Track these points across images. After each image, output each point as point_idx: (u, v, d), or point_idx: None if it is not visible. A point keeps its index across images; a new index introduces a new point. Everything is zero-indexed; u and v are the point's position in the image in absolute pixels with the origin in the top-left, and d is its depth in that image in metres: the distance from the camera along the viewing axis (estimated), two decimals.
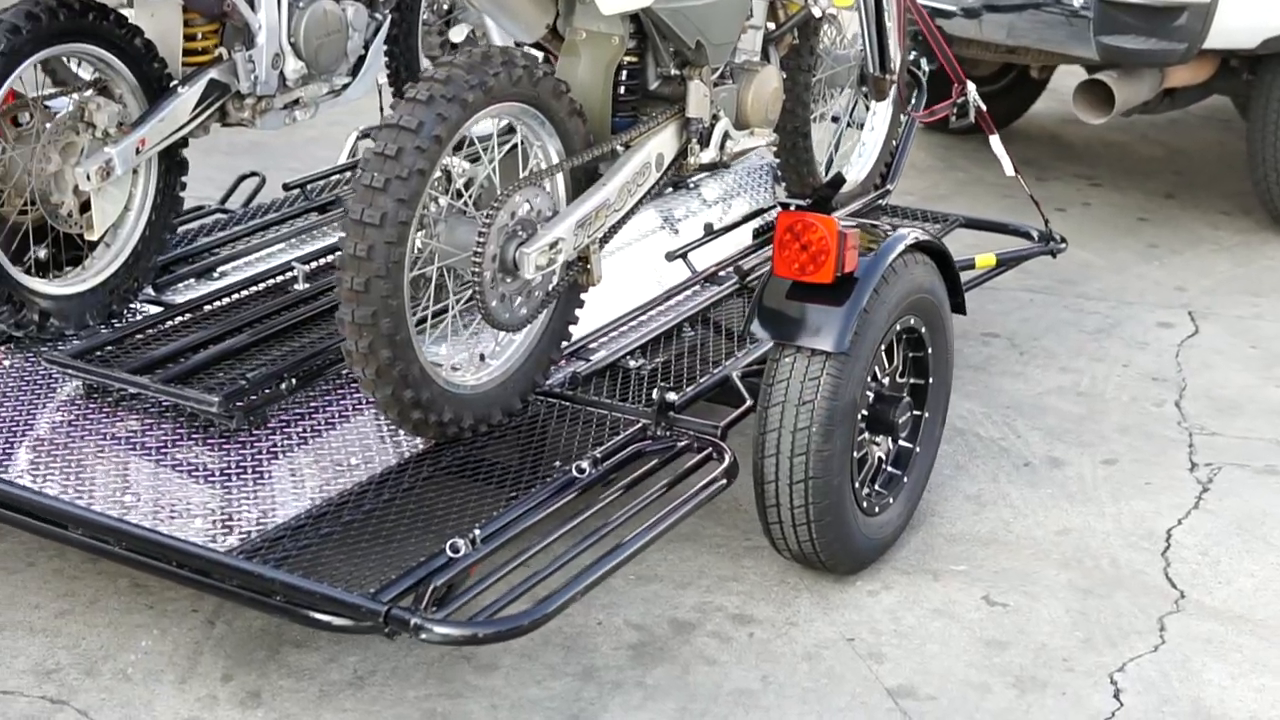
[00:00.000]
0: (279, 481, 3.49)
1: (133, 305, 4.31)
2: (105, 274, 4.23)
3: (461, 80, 3.37)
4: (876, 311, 3.68)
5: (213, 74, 4.31)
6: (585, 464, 3.52)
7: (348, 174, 5.28)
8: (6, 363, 4.05)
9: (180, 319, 4.16)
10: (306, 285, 4.33)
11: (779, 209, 4.85)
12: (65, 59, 4.16)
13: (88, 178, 4.05)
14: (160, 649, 3.57)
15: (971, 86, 4.79)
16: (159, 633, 3.62)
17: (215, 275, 4.53)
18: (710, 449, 3.65)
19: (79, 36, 4.01)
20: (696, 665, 3.57)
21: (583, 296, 3.84)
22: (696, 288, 4.46)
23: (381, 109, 5.59)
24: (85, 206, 4.17)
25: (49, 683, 3.45)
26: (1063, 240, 4.96)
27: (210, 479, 3.50)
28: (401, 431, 3.67)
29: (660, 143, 3.90)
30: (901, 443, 3.97)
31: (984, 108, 4.79)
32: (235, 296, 4.28)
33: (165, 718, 3.35)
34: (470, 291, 3.58)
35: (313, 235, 4.84)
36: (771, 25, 4.33)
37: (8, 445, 3.62)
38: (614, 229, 3.77)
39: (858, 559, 3.86)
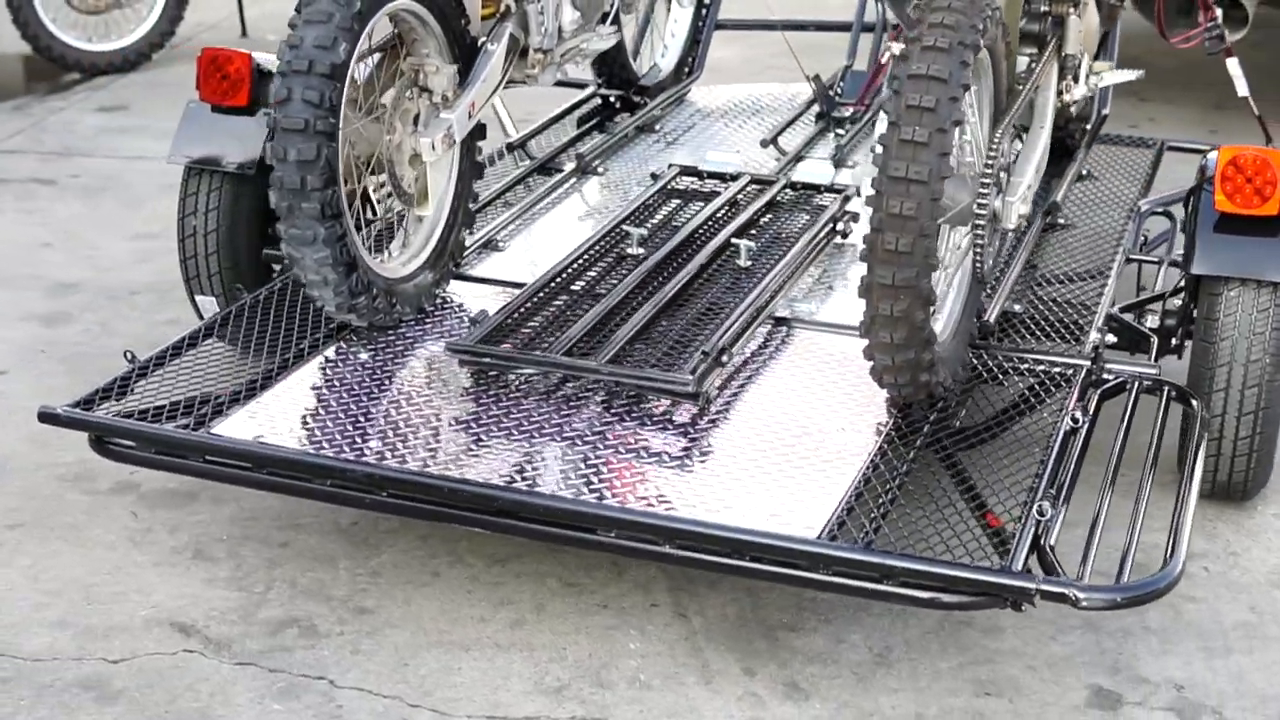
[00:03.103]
0: (792, 458, 3.29)
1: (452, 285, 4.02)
2: (426, 251, 3.92)
3: (967, 26, 3.21)
4: None
5: (510, 28, 4.02)
6: (1077, 414, 3.44)
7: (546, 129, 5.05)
8: (363, 356, 3.71)
9: (540, 296, 3.87)
10: (642, 250, 4.09)
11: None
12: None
13: (433, 147, 3.74)
14: (653, 650, 3.34)
15: (1219, 11, 4.83)
16: (637, 632, 3.39)
17: (501, 247, 4.25)
18: (1171, 390, 3.62)
19: None
20: (1182, 605, 3.53)
21: None
22: None
23: None
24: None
25: (568, 700, 3.19)
26: None
27: (716, 463, 3.28)
28: (858, 394, 3.52)
29: (1050, 81, 3.82)
30: None
31: (1227, 32, 4.83)
32: (573, 267, 4.00)
33: None
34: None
35: (560, 196, 4.58)
36: None
37: (463, 447, 3.33)
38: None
39: (1263, 485, 3.88)
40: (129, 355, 3.67)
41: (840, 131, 5.06)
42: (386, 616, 3.43)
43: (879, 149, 3.15)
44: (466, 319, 3.88)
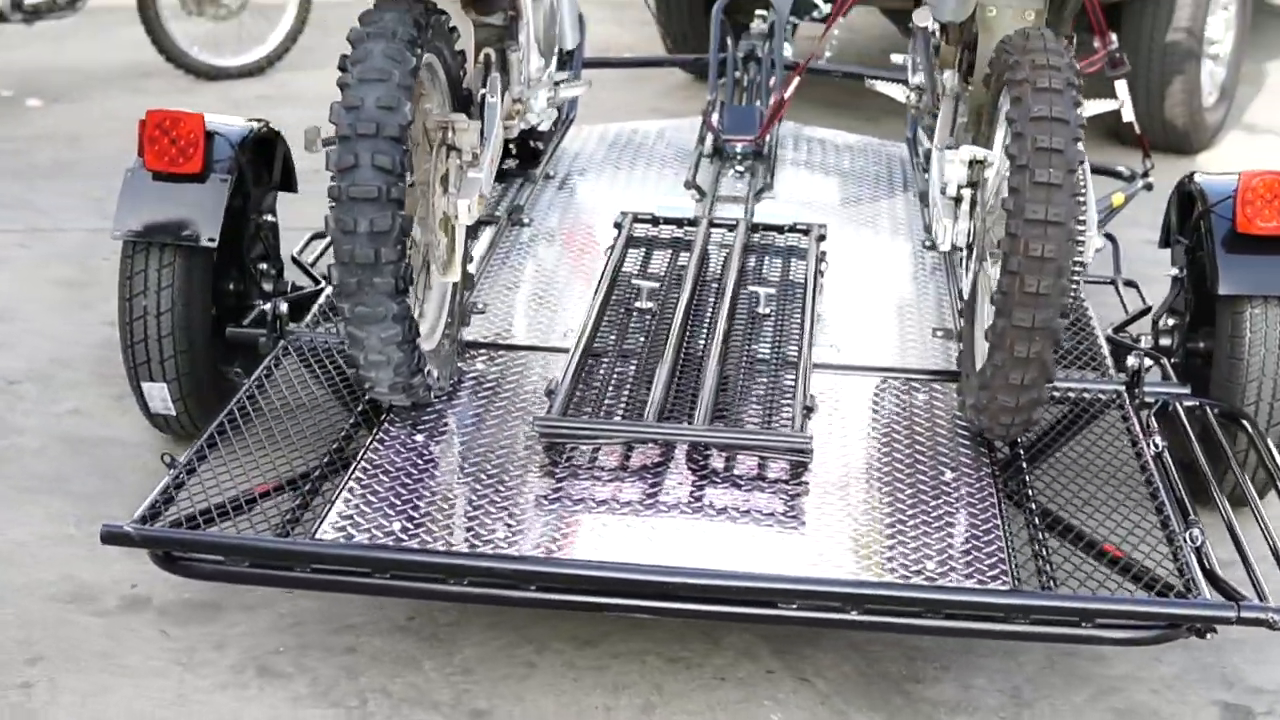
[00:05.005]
0: (923, 508, 3.25)
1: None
2: (444, 319, 3.69)
3: (1066, 65, 3.25)
4: None
5: (499, 78, 3.82)
6: (1157, 439, 3.52)
7: None
8: (419, 437, 3.46)
9: (585, 361, 3.68)
10: (652, 304, 3.94)
11: None
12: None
13: (469, 209, 3.52)
14: (796, 718, 3.24)
15: (1114, 35, 4.99)
16: (771, 703, 3.27)
17: (480, 308, 4.03)
18: (1214, 408, 3.75)
19: (431, 43, 3.44)
20: None
21: None
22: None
23: None
24: None
25: None
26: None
27: (856, 520, 3.20)
28: (931, 434, 3.52)
29: None
30: None
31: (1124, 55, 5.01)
32: (598, 326, 3.82)
33: None
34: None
35: (508, 251, 4.39)
36: None
37: (595, 529, 3.16)
38: None
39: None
40: (167, 459, 3.31)
41: (740, 169, 5.03)
42: (507, 716, 3.20)
43: (1005, 192, 3.15)
44: (499, 388, 3.67)
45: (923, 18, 3.79)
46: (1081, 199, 3.34)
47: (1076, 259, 3.37)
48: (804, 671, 3.38)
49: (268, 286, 4.22)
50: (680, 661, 3.39)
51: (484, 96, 3.74)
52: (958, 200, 3.48)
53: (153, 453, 4.17)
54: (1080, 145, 3.15)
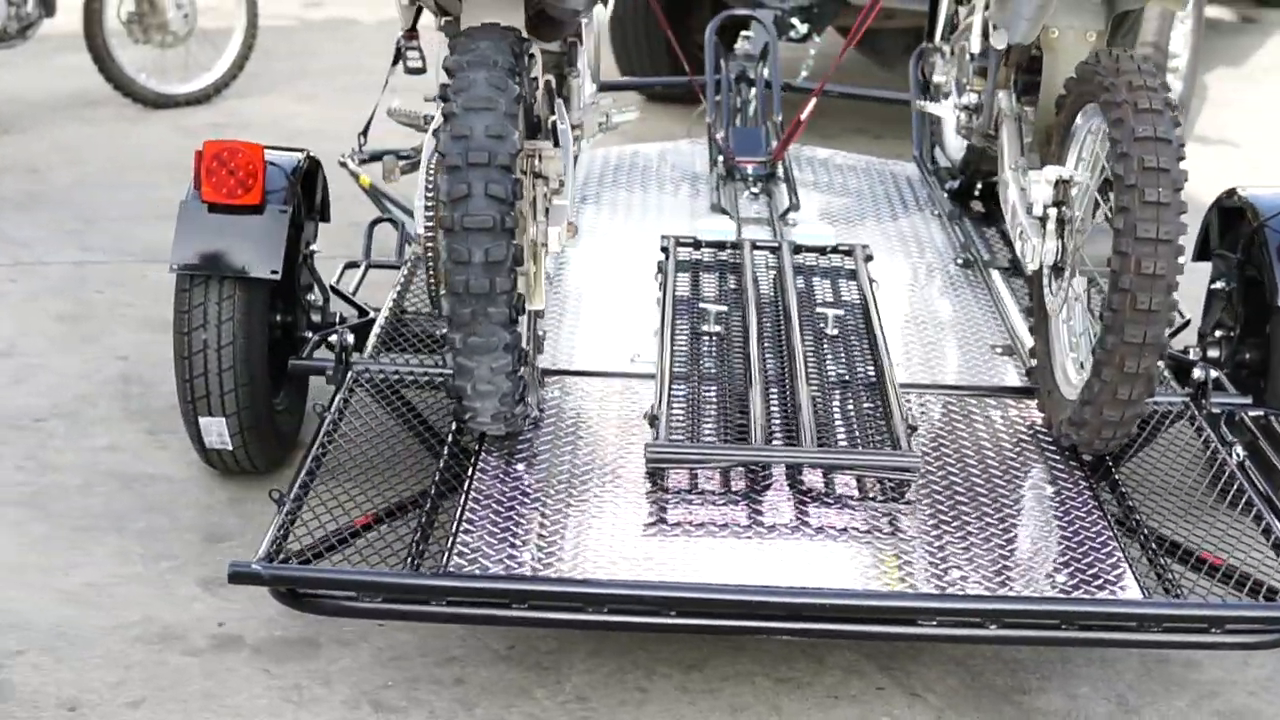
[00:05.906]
0: (1035, 520, 3.32)
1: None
2: (525, 346, 3.66)
3: (1160, 85, 3.32)
4: None
5: (562, 103, 3.82)
6: (1240, 449, 3.60)
7: None
8: (519, 466, 3.44)
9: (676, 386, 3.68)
10: (720, 327, 3.95)
11: None
12: None
13: (559, 237, 3.51)
14: None
15: None
16: (889, 719, 3.30)
17: (539, 333, 3.99)
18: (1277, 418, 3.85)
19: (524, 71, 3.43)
20: None
21: None
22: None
23: None
24: None
25: None
26: None
27: (969, 535, 3.25)
28: (1011, 448, 3.59)
29: None
30: None
31: None
32: (676, 352, 3.82)
33: None
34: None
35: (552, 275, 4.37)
36: None
37: (721, 553, 3.16)
38: None
39: None
40: (275, 495, 3.25)
41: (754, 190, 5.06)
42: None
43: (1113, 212, 3.22)
44: (582, 415, 3.67)
45: (999, 40, 3.86)
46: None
47: None
48: (913, 687, 3.41)
49: (316, 317, 4.18)
50: (790, 681, 3.41)
51: (554, 123, 3.73)
52: (1043, 220, 3.54)
53: (201, 488, 4.12)
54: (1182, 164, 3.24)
